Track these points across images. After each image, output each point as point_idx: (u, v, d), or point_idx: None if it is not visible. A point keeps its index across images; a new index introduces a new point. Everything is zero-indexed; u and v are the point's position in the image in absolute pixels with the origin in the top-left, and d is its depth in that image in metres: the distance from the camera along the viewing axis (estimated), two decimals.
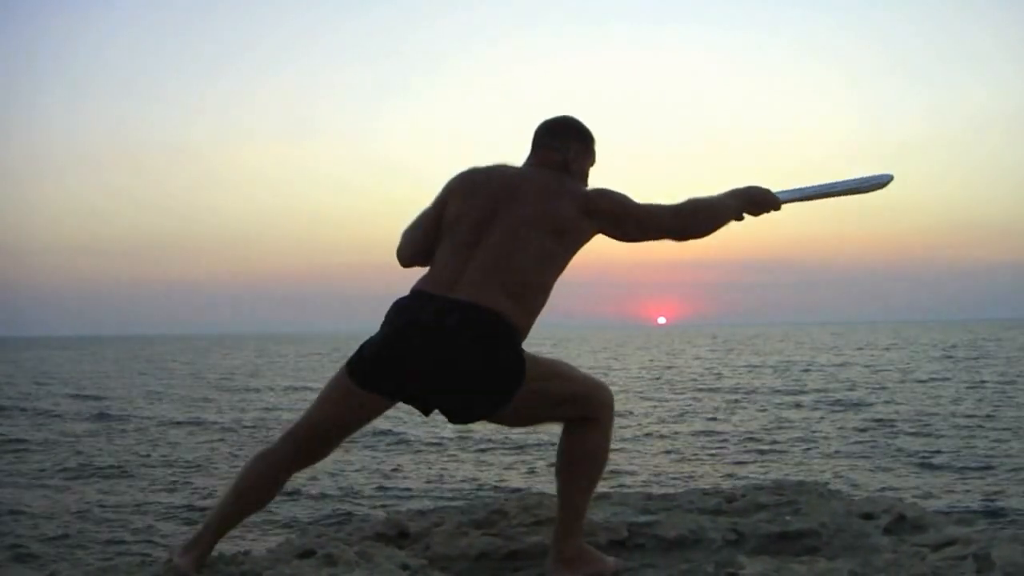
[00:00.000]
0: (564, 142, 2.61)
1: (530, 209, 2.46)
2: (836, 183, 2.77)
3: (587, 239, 2.53)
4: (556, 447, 2.56)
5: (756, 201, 2.67)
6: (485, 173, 2.58)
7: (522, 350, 2.41)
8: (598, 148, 2.70)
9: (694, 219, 2.56)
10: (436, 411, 2.45)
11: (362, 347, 2.44)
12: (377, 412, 2.46)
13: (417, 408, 2.46)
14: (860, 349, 51.56)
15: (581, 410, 2.50)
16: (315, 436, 2.49)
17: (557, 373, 2.49)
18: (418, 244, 2.60)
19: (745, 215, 2.66)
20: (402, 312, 2.43)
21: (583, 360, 47.37)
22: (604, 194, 2.53)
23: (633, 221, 2.52)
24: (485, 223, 2.46)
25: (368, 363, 2.40)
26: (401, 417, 17.59)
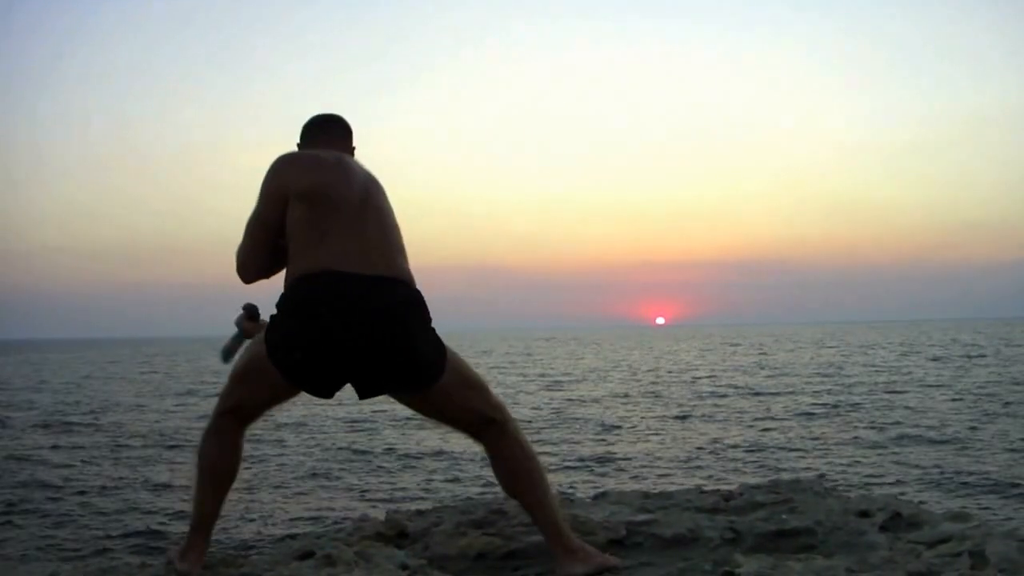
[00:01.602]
0: (347, 134, 2.80)
1: (373, 186, 2.63)
2: None
3: None
4: (496, 466, 2.57)
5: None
6: (321, 159, 2.61)
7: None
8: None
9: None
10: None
11: (280, 334, 2.43)
12: (298, 391, 2.54)
13: (320, 394, 2.50)
14: (856, 349, 51.56)
15: (488, 404, 2.55)
16: (246, 409, 2.56)
17: (462, 358, 2.58)
18: (261, 257, 2.63)
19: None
20: (326, 295, 2.40)
21: (583, 361, 47.34)
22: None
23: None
24: (359, 203, 2.54)
25: (301, 359, 2.40)
26: (402, 418, 17.61)
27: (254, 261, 2.62)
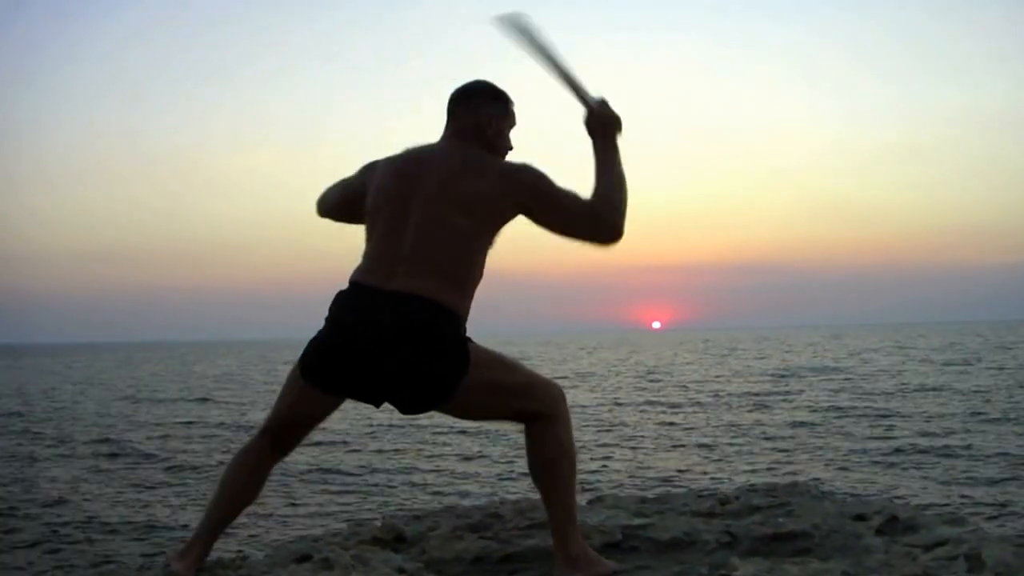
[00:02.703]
0: (476, 106, 2.52)
1: (435, 187, 2.39)
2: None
3: (505, 215, 2.43)
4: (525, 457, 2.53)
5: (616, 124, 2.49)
6: (397, 157, 2.54)
7: (466, 337, 2.39)
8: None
9: (608, 205, 2.39)
10: (387, 404, 2.45)
11: (309, 345, 2.45)
12: (336, 405, 2.51)
13: (368, 402, 2.45)
14: (852, 352, 51.62)
15: (533, 403, 2.46)
16: (284, 429, 2.54)
17: (504, 363, 2.46)
18: (333, 200, 2.65)
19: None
20: (342, 309, 2.42)
21: (582, 363, 47.35)
22: (524, 170, 2.42)
23: (554, 205, 2.39)
24: (402, 207, 2.41)
25: (316, 364, 2.42)
26: (400, 420, 17.59)
27: (323, 199, 2.70)
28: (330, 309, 2.45)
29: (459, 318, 2.39)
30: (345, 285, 2.48)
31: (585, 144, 2.52)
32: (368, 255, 2.47)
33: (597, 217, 2.38)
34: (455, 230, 2.37)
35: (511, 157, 2.57)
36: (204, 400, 27.02)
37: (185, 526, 9.10)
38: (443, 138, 2.56)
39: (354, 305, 2.39)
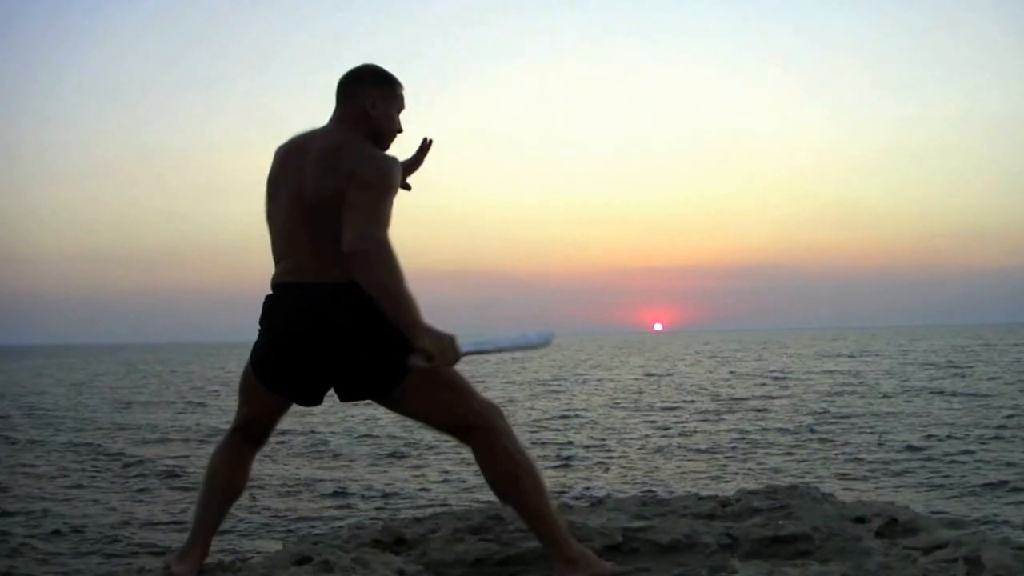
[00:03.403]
0: (362, 90, 2.48)
1: (312, 174, 2.35)
2: (504, 341, 2.56)
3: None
4: (479, 473, 2.53)
5: (444, 347, 2.28)
6: (283, 146, 2.52)
7: (372, 307, 2.29)
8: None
9: (377, 265, 2.22)
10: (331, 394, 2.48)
11: (253, 351, 2.50)
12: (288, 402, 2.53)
13: (309, 404, 2.48)
14: (853, 355, 51.60)
15: (472, 409, 2.43)
16: (251, 424, 2.58)
17: None
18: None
19: (424, 354, 2.26)
20: (269, 314, 2.46)
21: (583, 366, 47.31)
22: (370, 165, 2.33)
23: (358, 199, 2.27)
24: (289, 196, 2.40)
25: (262, 368, 2.47)
26: (400, 422, 17.59)
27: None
28: (262, 315, 2.48)
29: (348, 292, 2.32)
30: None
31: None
32: (275, 252, 2.49)
33: (367, 249, 2.24)
34: (340, 214, 2.29)
35: (401, 139, 2.57)
36: (202, 404, 27.04)
37: (178, 522, 9.10)
38: (329, 122, 2.53)
39: (278, 308, 2.43)
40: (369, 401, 2.48)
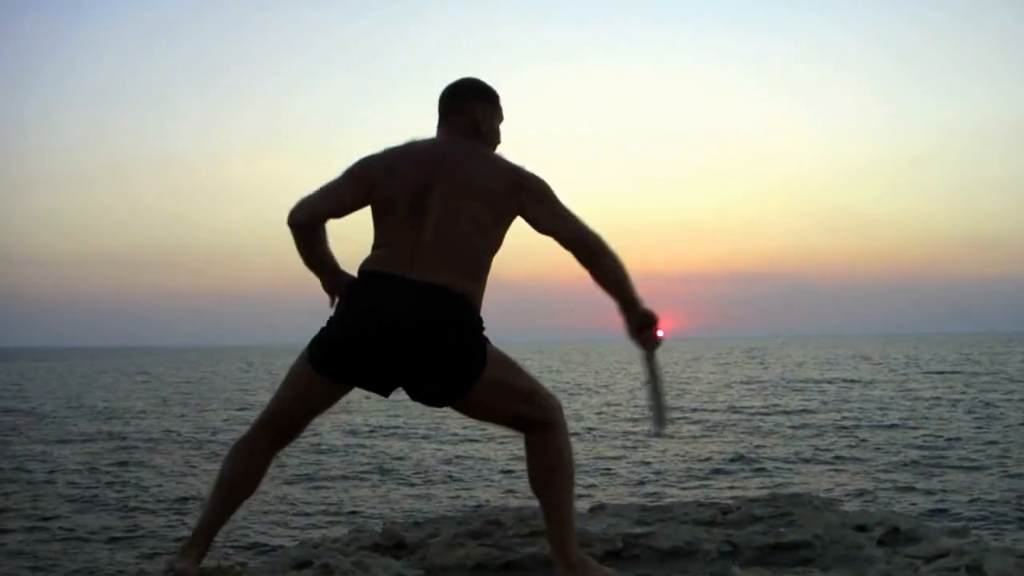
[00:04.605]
0: (470, 104, 2.56)
1: (460, 180, 2.43)
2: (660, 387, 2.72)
3: (512, 211, 2.47)
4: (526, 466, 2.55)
5: (652, 316, 2.54)
6: (403, 150, 2.53)
7: (483, 328, 2.44)
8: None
9: (606, 252, 2.46)
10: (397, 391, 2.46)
11: (323, 335, 2.45)
12: (341, 395, 2.52)
13: (377, 392, 2.47)
14: (858, 362, 51.56)
15: (535, 409, 2.49)
16: (285, 421, 2.55)
17: (513, 366, 2.50)
18: (317, 209, 2.50)
19: (640, 318, 2.52)
20: (364, 297, 2.42)
21: (584, 371, 47.31)
22: (531, 174, 2.48)
23: (551, 209, 2.45)
24: (421, 196, 2.43)
25: (331, 353, 2.42)
26: (400, 425, 17.59)
27: (303, 207, 2.51)
28: (346, 300, 2.45)
29: (478, 309, 2.44)
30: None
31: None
32: (385, 244, 2.47)
33: (596, 236, 2.47)
34: (474, 222, 2.42)
35: (499, 150, 2.62)
36: (204, 409, 27.05)
37: (172, 525, 9.10)
38: (443, 134, 2.58)
39: (377, 293, 2.39)
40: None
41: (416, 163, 2.48)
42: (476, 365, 2.39)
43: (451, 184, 2.43)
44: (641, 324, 2.54)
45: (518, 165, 2.51)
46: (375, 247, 2.51)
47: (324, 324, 2.49)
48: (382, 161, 2.52)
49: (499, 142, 2.63)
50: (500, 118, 2.64)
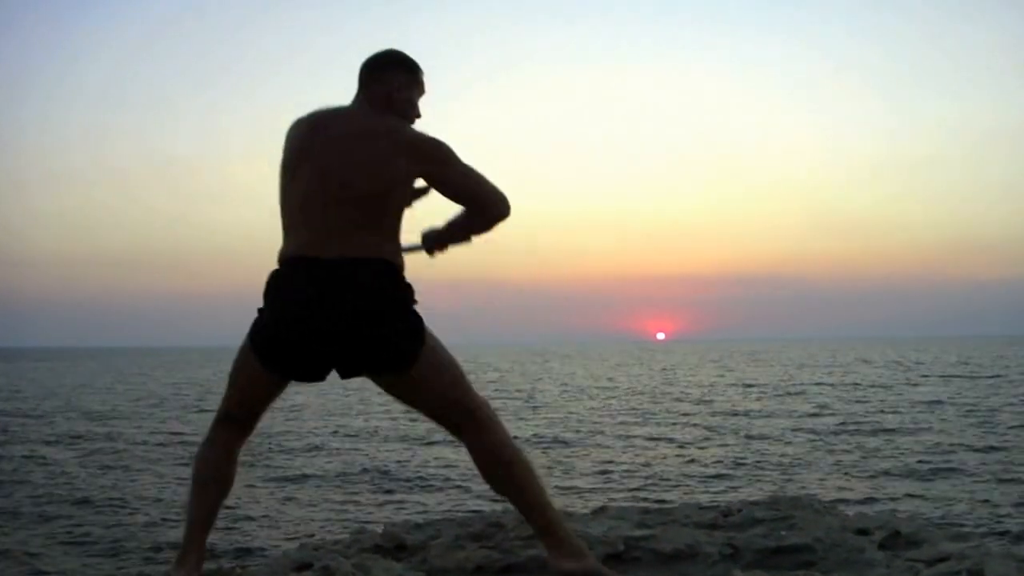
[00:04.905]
0: (388, 75, 2.53)
1: (343, 148, 2.39)
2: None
3: (407, 176, 2.44)
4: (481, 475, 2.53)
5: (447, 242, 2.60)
6: (304, 119, 2.51)
7: (410, 289, 2.43)
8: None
9: (500, 214, 2.48)
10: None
11: (258, 329, 2.44)
12: (286, 383, 2.51)
13: (314, 380, 2.47)
14: (855, 366, 51.52)
15: (468, 398, 2.47)
16: (242, 411, 2.55)
17: (447, 351, 2.49)
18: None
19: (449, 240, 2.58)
20: (288, 288, 2.39)
21: (584, 374, 47.28)
22: (429, 138, 2.45)
23: (457, 171, 2.44)
24: (316, 170, 2.40)
25: (270, 347, 2.41)
26: (401, 427, 17.58)
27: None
28: (271, 290, 2.43)
29: (402, 270, 2.43)
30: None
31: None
32: (294, 226, 2.44)
33: (497, 192, 2.46)
34: (370, 191, 2.37)
35: (419, 125, 2.59)
36: (203, 410, 27.06)
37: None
38: (353, 103, 2.55)
39: (301, 280, 2.37)
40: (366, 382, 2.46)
41: (312, 131, 2.46)
42: (416, 336, 2.38)
43: (328, 154, 2.39)
44: (442, 243, 2.58)
45: (418, 131, 2.47)
46: (286, 229, 2.47)
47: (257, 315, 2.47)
48: (291, 130, 2.51)
49: (417, 116, 2.59)
50: (420, 92, 2.60)
